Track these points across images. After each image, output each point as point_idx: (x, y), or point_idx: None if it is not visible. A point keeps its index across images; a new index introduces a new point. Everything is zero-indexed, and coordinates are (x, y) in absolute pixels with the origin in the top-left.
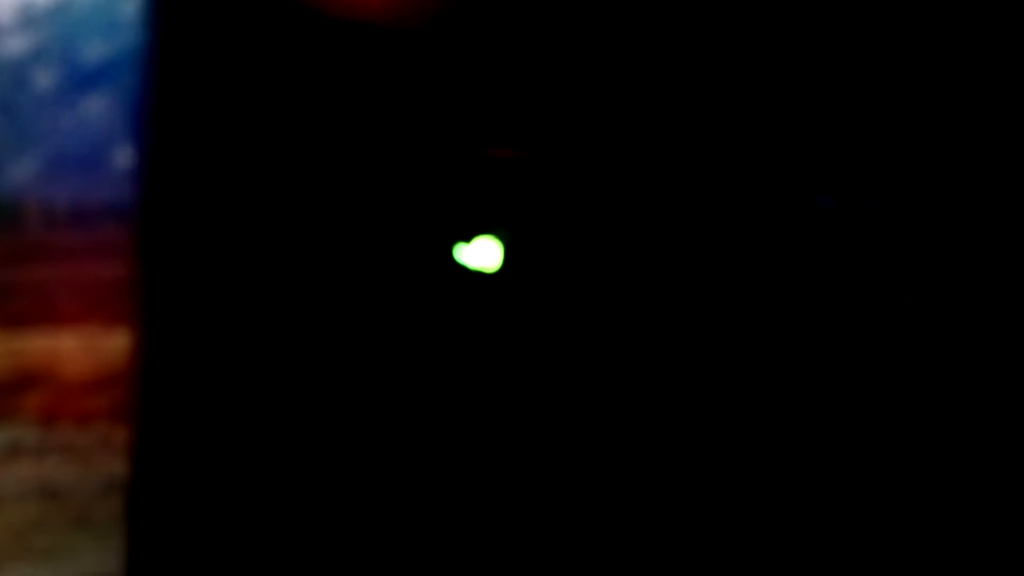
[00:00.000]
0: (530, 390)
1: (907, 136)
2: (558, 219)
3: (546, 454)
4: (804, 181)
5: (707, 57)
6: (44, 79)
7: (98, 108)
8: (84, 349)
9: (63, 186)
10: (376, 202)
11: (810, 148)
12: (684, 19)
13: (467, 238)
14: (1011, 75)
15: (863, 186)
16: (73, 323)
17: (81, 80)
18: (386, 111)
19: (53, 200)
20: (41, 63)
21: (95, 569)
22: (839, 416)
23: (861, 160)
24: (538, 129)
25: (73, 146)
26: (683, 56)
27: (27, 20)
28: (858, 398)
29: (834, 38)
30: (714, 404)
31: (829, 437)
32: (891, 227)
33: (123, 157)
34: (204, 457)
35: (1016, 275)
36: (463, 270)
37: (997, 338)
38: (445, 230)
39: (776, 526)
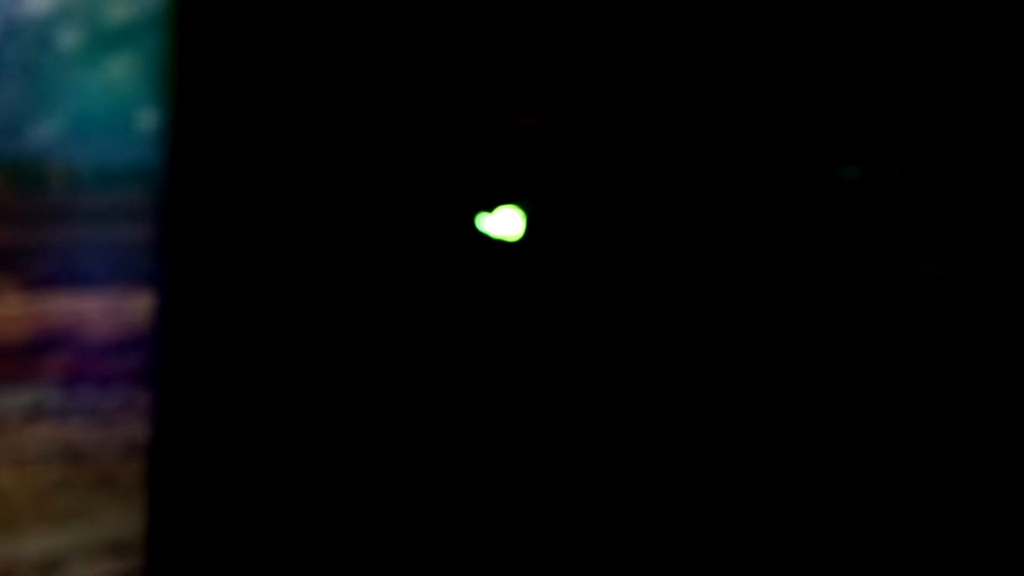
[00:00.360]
0: (551, 367)
1: (934, 105)
2: (580, 188)
3: (569, 437)
4: (826, 151)
5: (730, 25)
6: (68, 39)
7: (122, 69)
8: (107, 311)
9: (87, 148)
10: (399, 171)
11: (833, 117)
12: None
13: (489, 207)
14: None
15: (889, 156)
16: (96, 285)
17: (105, 40)
18: (407, 79)
19: (77, 162)
20: (65, 23)
21: (118, 531)
22: (861, 395)
23: (886, 129)
24: (561, 97)
25: (97, 108)
26: (706, 25)
27: None
28: (879, 375)
29: (856, 10)
30: (737, 380)
31: (853, 418)
32: (917, 198)
33: (147, 119)
34: (225, 420)
35: None
36: (485, 239)
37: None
38: (467, 199)
39: (793, 521)
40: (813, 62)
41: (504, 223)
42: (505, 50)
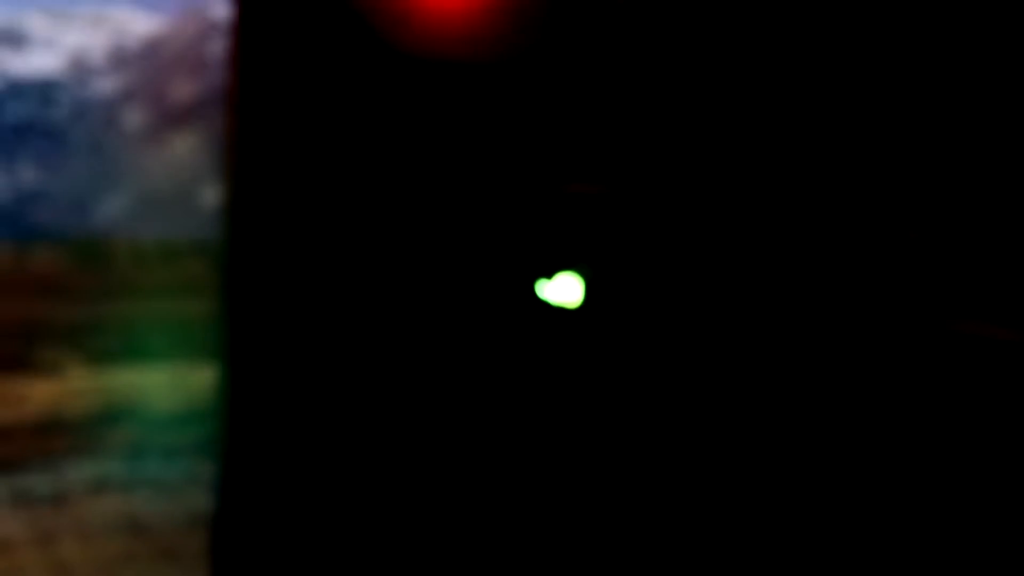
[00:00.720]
0: (612, 425)
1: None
2: (636, 254)
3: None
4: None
5: (770, 98)
6: (134, 118)
7: (186, 147)
8: (171, 384)
9: (151, 224)
10: (458, 237)
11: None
12: (747, 61)
13: (549, 274)
14: None
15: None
16: (160, 359)
17: (170, 119)
18: (466, 146)
19: (141, 238)
20: (131, 102)
21: None
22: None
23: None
24: (616, 164)
25: (161, 185)
26: (746, 99)
27: (118, 61)
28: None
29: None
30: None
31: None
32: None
33: (210, 196)
34: (289, 493)
35: None
36: (545, 305)
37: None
38: (527, 266)
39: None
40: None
41: (564, 289)
42: (565, 118)
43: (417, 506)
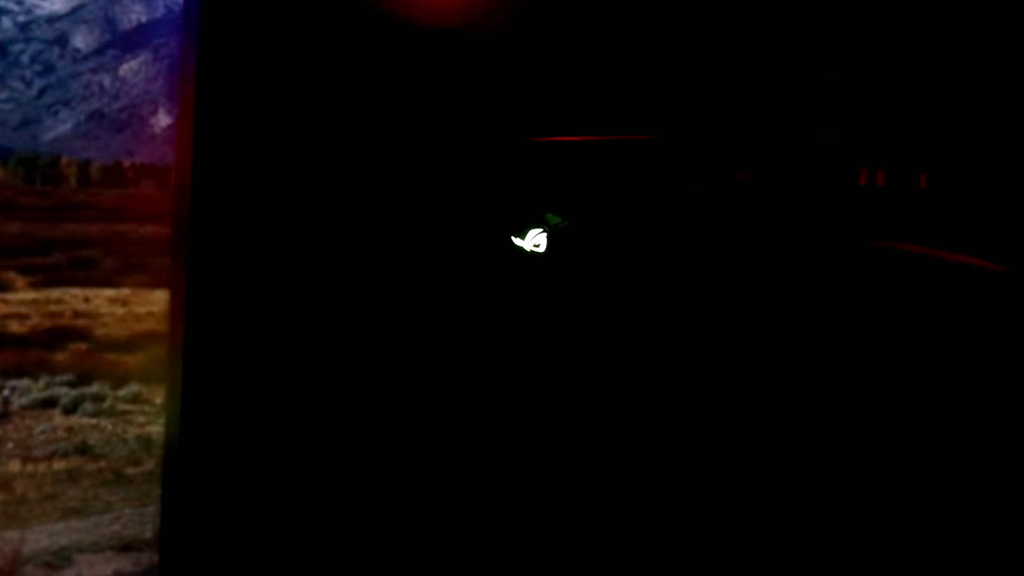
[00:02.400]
0: (576, 376)
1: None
2: (603, 204)
3: (596, 440)
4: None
5: (741, 41)
6: (85, 39)
7: (137, 69)
8: (119, 307)
9: (101, 146)
10: (424, 182)
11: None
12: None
13: (517, 224)
14: None
15: (915, 160)
16: (109, 281)
17: (121, 41)
18: (430, 98)
19: (90, 159)
20: (82, 23)
21: (129, 528)
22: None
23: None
24: (582, 115)
25: (111, 106)
26: (720, 39)
27: None
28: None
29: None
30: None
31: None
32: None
33: (161, 119)
34: (241, 418)
35: None
36: (513, 253)
37: None
38: (495, 217)
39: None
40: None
41: (531, 237)
42: (529, 69)
43: (365, 437)
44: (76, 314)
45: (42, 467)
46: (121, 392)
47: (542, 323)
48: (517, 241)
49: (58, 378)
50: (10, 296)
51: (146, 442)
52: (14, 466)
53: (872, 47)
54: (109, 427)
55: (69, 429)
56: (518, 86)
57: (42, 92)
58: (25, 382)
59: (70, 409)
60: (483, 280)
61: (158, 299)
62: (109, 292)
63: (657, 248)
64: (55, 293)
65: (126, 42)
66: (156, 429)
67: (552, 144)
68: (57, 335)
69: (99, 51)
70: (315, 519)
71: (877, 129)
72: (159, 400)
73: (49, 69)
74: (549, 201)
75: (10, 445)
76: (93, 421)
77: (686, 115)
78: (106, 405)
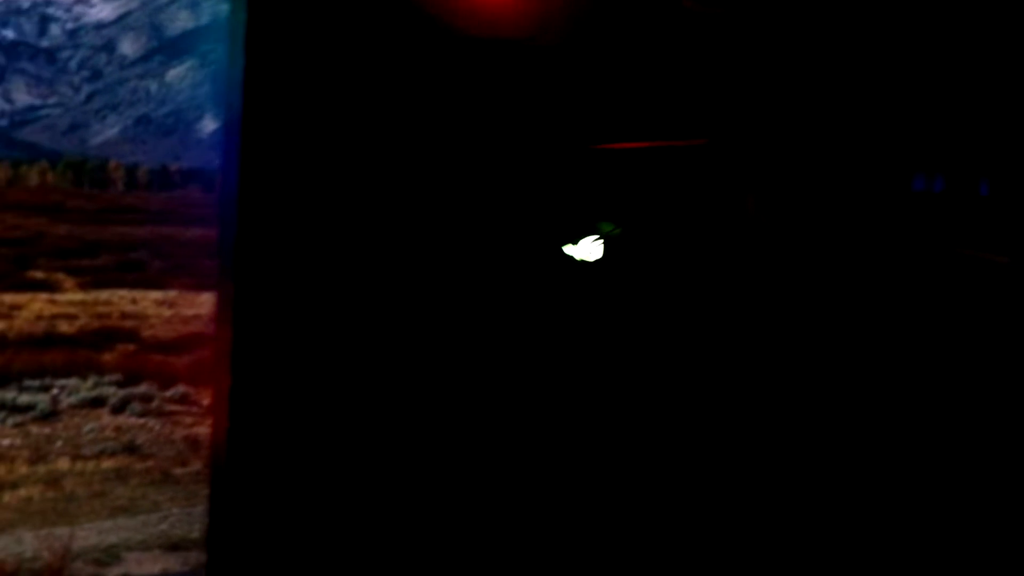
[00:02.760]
0: (634, 376)
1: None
2: (663, 211)
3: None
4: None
5: (808, 42)
6: (132, 46)
7: (184, 75)
8: (168, 309)
9: (148, 150)
10: (484, 191)
11: (914, 124)
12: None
13: (575, 232)
14: None
15: (973, 167)
16: (157, 283)
17: (168, 47)
18: (492, 106)
19: (137, 162)
20: (129, 30)
21: (176, 527)
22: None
23: (971, 137)
24: (635, 122)
25: (158, 111)
26: (784, 44)
27: None
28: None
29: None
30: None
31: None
32: (1001, 213)
33: (207, 123)
34: (288, 423)
35: None
36: (571, 261)
37: None
38: (554, 223)
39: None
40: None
41: (587, 247)
42: (591, 76)
43: (422, 439)
44: (124, 315)
45: (91, 465)
46: (168, 393)
47: (598, 326)
48: (570, 249)
49: (106, 378)
50: (59, 297)
51: (193, 443)
52: (63, 464)
53: (927, 55)
54: (157, 427)
55: (117, 428)
56: (574, 95)
57: (90, 97)
58: (74, 381)
59: (118, 409)
60: (540, 285)
61: (205, 301)
62: (156, 294)
63: (707, 252)
64: (103, 294)
65: (173, 48)
66: (203, 430)
67: (604, 151)
68: (105, 336)
69: (146, 57)
70: (361, 518)
71: (931, 134)
72: (206, 401)
73: (97, 75)
74: (601, 207)
75: (59, 443)
76: (141, 421)
77: (737, 121)
78: (154, 405)
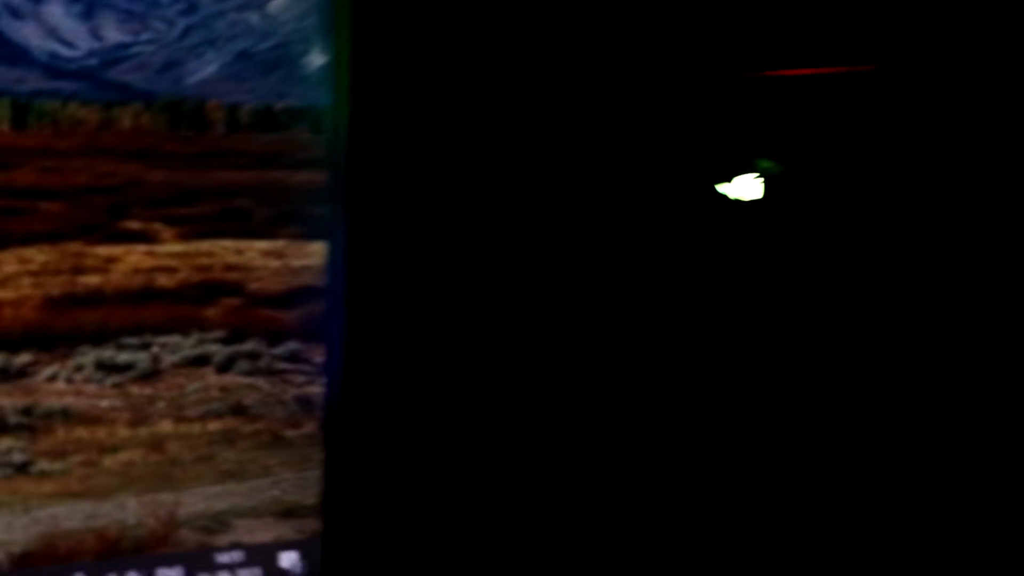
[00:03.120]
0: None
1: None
2: (825, 146)
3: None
4: None
5: None
6: None
7: (287, 6)
8: (275, 260)
9: (250, 88)
10: (633, 130)
11: None
12: None
13: (730, 170)
14: None
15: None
16: (262, 233)
17: None
18: (638, 36)
19: (238, 102)
20: None
21: (289, 493)
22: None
23: None
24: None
25: (260, 46)
26: None
27: None
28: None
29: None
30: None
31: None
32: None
33: (313, 59)
34: (404, 381)
35: None
36: (726, 201)
37: None
38: (708, 161)
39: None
40: None
41: (745, 185)
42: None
43: (541, 407)
44: (227, 267)
45: (196, 428)
46: (278, 350)
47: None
48: (725, 189)
49: (210, 335)
50: (157, 248)
51: (306, 403)
52: (166, 426)
53: None
54: (266, 387)
55: (223, 388)
56: (726, 18)
57: (186, 32)
58: (175, 338)
59: (224, 368)
60: (691, 229)
61: (315, 251)
62: (262, 244)
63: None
64: (204, 245)
65: None
66: (316, 390)
67: (761, 79)
68: (208, 290)
69: None
70: (478, 484)
71: None
72: (319, 359)
73: (192, 8)
74: (760, 142)
75: (161, 404)
76: (249, 380)
77: (906, 45)
78: (262, 363)
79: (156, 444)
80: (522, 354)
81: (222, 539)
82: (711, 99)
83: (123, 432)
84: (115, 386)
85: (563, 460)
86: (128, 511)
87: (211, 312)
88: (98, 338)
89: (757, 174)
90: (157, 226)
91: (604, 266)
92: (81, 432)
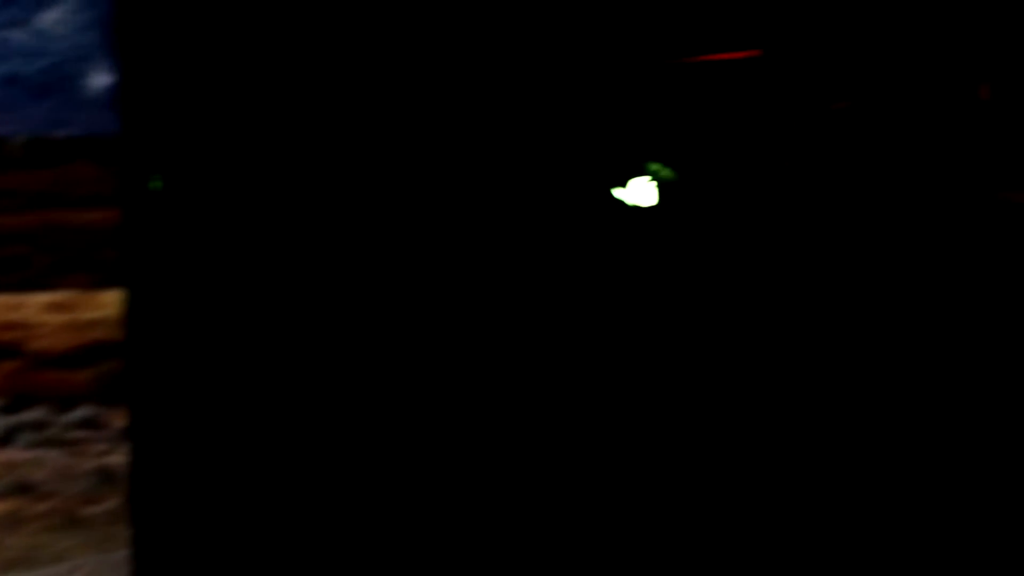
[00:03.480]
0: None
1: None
2: (719, 150)
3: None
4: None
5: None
6: None
7: (60, 19)
8: (60, 314)
9: (21, 117)
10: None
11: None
12: None
13: (624, 176)
14: None
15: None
16: (44, 283)
17: None
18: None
19: (8, 133)
20: None
21: None
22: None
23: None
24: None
25: (30, 67)
26: None
27: None
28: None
29: None
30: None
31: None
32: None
33: (95, 81)
34: (219, 440)
35: None
36: (619, 207)
37: None
38: (600, 166)
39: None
40: None
41: (639, 191)
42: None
43: (359, 444)
44: (4, 325)
45: None
46: (69, 417)
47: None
48: (618, 194)
49: None
50: None
51: (106, 475)
52: None
53: None
54: (56, 460)
55: (4, 465)
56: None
57: None
58: None
59: (4, 440)
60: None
61: (108, 301)
62: (44, 296)
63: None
64: None
65: None
66: (118, 459)
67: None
68: None
69: (5, 2)
70: (303, 541)
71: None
72: (119, 424)
73: None
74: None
75: None
76: (34, 454)
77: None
78: (50, 433)
79: None
80: (342, 399)
81: None
82: (599, 94)
83: None
84: None
85: (377, 503)
86: None
87: None
88: None
89: (651, 179)
90: None
91: (455, 285)
92: None
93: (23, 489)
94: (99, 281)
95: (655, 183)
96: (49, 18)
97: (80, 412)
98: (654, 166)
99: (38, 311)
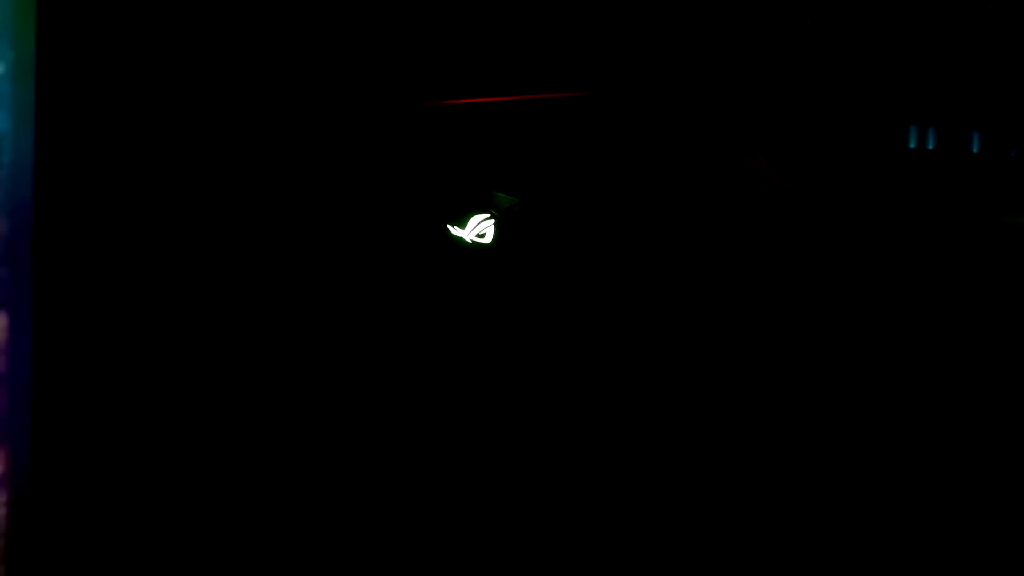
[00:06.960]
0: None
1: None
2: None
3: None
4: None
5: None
6: None
7: None
8: None
9: None
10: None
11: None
12: None
13: (460, 213)
14: None
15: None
16: None
17: None
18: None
19: None
20: None
21: None
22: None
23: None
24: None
25: None
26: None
27: None
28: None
29: None
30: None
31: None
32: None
33: None
34: (119, 486)
35: None
36: (456, 246)
37: None
38: (422, 199)
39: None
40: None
41: (476, 229)
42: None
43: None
44: None
45: None
46: None
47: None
48: (456, 230)
49: None
50: None
51: None
52: None
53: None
54: None
55: None
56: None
57: None
58: None
59: None
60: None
61: None
62: None
63: (694, 225)
64: None
65: None
66: None
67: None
68: None
69: None
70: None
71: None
72: None
73: None
74: (495, 176)
75: None
76: None
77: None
78: None
79: None
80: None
81: None
82: (424, 128)
83: None
84: None
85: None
86: None
87: None
88: None
89: (492, 212)
90: None
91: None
92: None
93: None
94: None
95: (495, 217)
96: None
97: None
98: (501, 198)
99: None
